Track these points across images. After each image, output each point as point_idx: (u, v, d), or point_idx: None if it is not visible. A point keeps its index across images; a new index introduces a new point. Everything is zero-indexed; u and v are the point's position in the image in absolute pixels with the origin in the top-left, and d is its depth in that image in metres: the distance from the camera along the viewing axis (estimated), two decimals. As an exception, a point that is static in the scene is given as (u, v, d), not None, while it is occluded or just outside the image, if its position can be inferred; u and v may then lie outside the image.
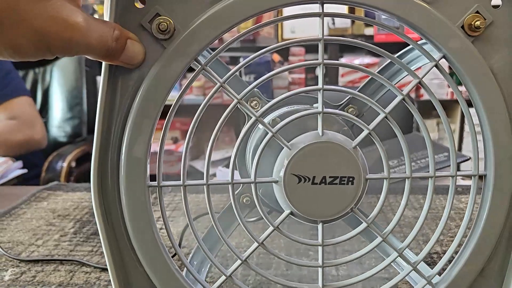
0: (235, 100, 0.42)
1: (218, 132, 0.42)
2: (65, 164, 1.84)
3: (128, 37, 0.40)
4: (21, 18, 0.33)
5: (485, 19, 0.42)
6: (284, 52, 3.38)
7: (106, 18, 0.40)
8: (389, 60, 0.47)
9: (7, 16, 0.33)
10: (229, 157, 0.43)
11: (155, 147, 0.40)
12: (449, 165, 0.45)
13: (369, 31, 3.34)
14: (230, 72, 0.42)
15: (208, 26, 0.41)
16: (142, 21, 0.41)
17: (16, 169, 1.51)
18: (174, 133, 3.47)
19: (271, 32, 3.48)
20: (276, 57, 3.48)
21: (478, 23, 0.42)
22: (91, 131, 2.15)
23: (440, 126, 3.11)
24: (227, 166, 1.67)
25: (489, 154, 0.44)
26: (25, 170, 1.52)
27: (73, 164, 1.89)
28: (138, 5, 0.41)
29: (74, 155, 1.91)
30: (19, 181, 1.48)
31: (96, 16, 3.15)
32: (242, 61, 0.43)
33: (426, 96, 2.98)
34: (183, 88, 0.42)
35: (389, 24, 0.44)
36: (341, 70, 3.17)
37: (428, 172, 0.44)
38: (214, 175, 1.63)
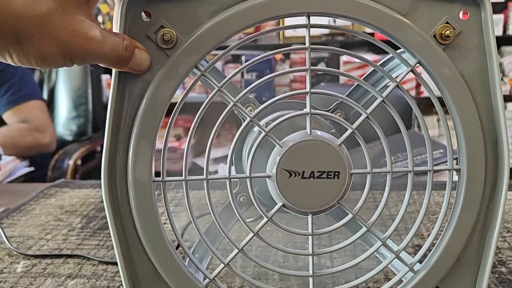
0: (231, 103, 0.47)
1: (215, 134, 0.46)
2: (71, 162, 1.88)
3: (136, 46, 0.44)
4: (49, 31, 0.38)
5: (454, 29, 0.47)
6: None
7: (116, 29, 0.45)
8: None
9: (37, 30, 0.37)
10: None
11: (159, 144, 0.44)
12: (444, 162, 0.50)
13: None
14: (227, 79, 0.47)
15: (207, 37, 0.45)
16: (148, 32, 0.46)
17: (23, 167, 1.55)
18: (177, 131, 3.51)
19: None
20: (278, 55, 3.52)
21: (448, 32, 0.46)
22: (96, 129, 2.20)
23: (440, 123, 3.14)
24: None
25: (462, 150, 0.48)
26: (32, 168, 1.56)
27: (79, 162, 1.94)
28: (144, 18, 0.46)
29: (80, 153, 1.95)
30: (26, 179, 1.52)
31: (100, 17, 3.19)
32: (243, 59, 0.47)
33: (426, 93, 3.02)
34: (184, 92, 0.46)
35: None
36: (341, 68, 3.21)
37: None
38: (216, 172, 1.67)
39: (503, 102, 0.48)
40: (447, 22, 0.47)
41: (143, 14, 0.46)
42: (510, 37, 3.27)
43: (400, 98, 0.62)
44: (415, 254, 0.52)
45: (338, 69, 3.18)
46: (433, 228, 0.57)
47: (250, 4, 0.45)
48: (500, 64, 3.33)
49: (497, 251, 0.72)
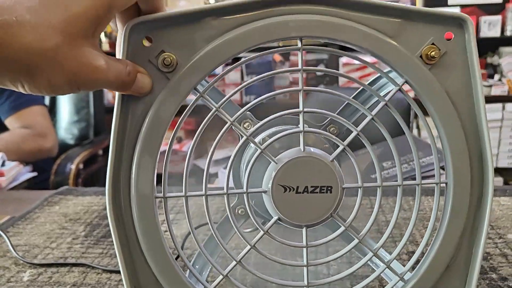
0: (228, 122, 0.49)
1: (213, 152, 0.48)
2: (73, 167, 1.91)
3: (138, 71, 0.47)
4: (57, 64, 0.40)
5: (439, 50, 0.49)
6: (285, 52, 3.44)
7: (119, 54, 0.47)
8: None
9: (47, 63, 0.40)
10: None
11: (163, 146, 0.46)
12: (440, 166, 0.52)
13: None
14: (224, 99, 0.49)
15: (205, 60, 0.48)
16: (149, 57, 0.48)
17: (27, 172, 1.58)
18: (179, 133, 3.52)
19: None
20: (277, 57, 3.55)
21: (433, 53, 0.49)
22: (97, 133, 2.22)
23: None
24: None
25: (448, 165, 0.51)
26: (35, 173, 1.59)
27: (81, 166, 1.96)
28: (146, 43, 0.48)
29: (82, 157, 1.98)
30: (30, 184, 1.55)
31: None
32: (243, 60, 0.50)
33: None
34: (183, 115, 0.49)
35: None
36: (340, 70, 3.23)
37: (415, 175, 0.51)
38: (216, 175, 1.69)
39: (486, 117, 0.50)
40: (433, 43, 0.49)
41: (145, 39, 0.48)
42: (508, 38, 3.30)
43: (400, 100, 0.64)
44: (409, 260, 0.54)
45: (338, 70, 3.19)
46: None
47: (246, 30, 0.48)
48: (498, 65, 3.36)
49: (489, 257, 0.74)
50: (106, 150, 2.26)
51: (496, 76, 3.34)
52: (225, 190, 0.50)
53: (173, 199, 0.90)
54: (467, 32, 0.49)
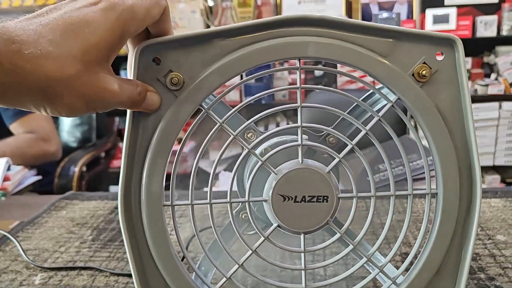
0: (232, 136, 0.53)
1: (216, 166, 0.52)
2: (76, 169, 1.94)
3: (148, 89, 0.50)
4: (76, 89, 0.44)
5: (430, 68, 0.53)
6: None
7: (130, 73, 0.51)
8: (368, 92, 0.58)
9: (67, 89, 0.43)
10: (233, 156, 0.54)
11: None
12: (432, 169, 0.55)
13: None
14: (228, 114, 0.53)
15: (210, 79, 0.51)
16: (158, 76, 0.52)
17: (31, 176, 1.61)
18: (180, 134, 3.55)
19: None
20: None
21: (424, 72, 0.52)
22: (100, 136, 2.26)
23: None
24: (230, 169, 1.76)
25: (438, 176, 0.54)
26: (39, 177, 1.62)
27: (84, 168, 1.99)
28: (155, 63, 0.52)
29: (85, 160, 2.01)
30: (35, 187, 1.58)
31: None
32: (244, 79, 0.53)
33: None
34: (188, 131, 0.52)
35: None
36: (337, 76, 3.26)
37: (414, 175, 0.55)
38: (217, 177, 1.73)
39: (475, 131, 0.54)
40: (424, 62, 0.53)
41: (154, 60, 0.52)
42: (504, 37, 3.33)
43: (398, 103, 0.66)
44: (403, 261, 0.57)
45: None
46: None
47: (248, 51, 0.51)
48: (495, 64, 3.39)
49: (478, 257, 0.78)
50: (108, 152, 2.30)
51: (493, 75, 3.37)
52: (228, 199, 0.53)
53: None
54: (457, 51, 0.53)
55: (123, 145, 0.53)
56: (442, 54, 0.53)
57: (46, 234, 0.94)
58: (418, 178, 1.38)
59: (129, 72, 0.51)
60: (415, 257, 0.57)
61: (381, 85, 0.55)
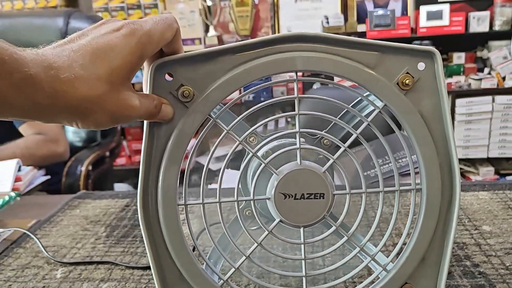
0: (237, 142, 0.59)
1: (224, 170, 0.58)
2: (83, 169, 2.00)
3: (162, 102, 0.57)
4: (104, 107, 0.50)
5: (413, 77, 0.59)
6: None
7: (146, 88, 0.58)
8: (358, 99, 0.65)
9: (96, 106, 0.50)
10: (235, 153, 0.60)
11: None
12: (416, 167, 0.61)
13: (361, 28, 3.52)
14: (233, 123, 0.59)
15: (217, 92, 0.58)
16: (170, 89, 0.58)
17: (41, 176, 1.67)
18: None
19: (268, 32, 3.62)
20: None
21: (407, 81, 0.59)
22: (104, 135, 2.31)
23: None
24: (231, 166, 1.81)
25: (422, 173, 0.61)
26: (48, 177, 1.68)
27: (90, 167, 2.05)
28: (168, 78, 0.58)
29: (91, 159, 2.06)
30: (44, 186, 1.64)
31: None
32: (246, 91, 0.60)
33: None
34: (197, 139, 0.59)
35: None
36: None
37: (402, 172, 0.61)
38: (217, 174, 1.78)
39: (453, 133, 0.60)
40: (407, 72, 0.59)
41: (167, 75, 0.58)
42: (496, 32, 3.39)
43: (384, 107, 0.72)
44: (393, 251, 0.63)
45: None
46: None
47: (250, 66, 0.57)
48: (488, 59, 3.46)
49: (464, 246, 0.84)
50: (113, 151, 2.35)
51: (486, 70, 3.43)
52: (235, 198, 0.60)
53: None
54: (436, 62, 0.59)
55: (142, 151, 0.59)
56: (423, 64, 0.59)
57: (63, 232, 1.01)
58: (409, 173, 1.43)
59: (145, 86, 0.58)
60: (403, 246, 0.63)
61: (367, 93, 0.61)
